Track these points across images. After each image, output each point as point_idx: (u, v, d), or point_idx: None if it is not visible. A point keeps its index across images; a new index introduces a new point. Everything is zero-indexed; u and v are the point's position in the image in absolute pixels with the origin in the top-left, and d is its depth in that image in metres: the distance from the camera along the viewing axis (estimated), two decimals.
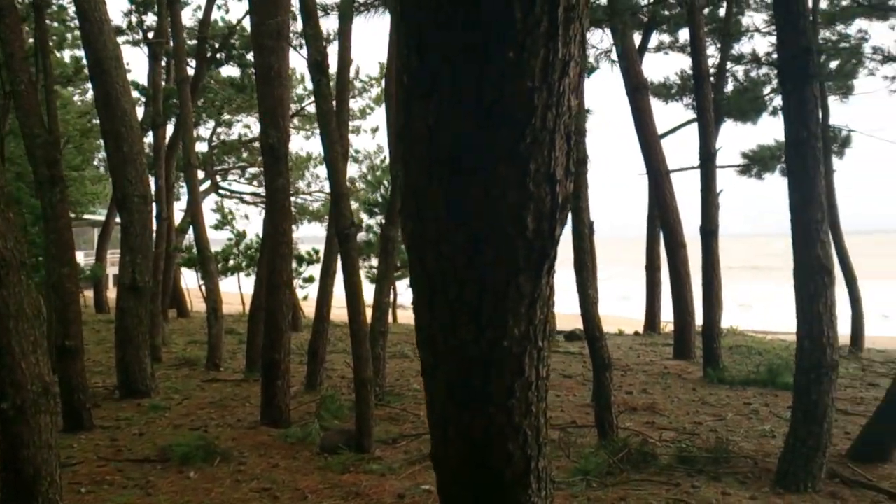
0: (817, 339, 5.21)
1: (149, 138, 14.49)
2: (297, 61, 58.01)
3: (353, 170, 23.47)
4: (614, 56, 12.19)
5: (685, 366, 10.79)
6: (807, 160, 5.31)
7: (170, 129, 15.96)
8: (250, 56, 15.00)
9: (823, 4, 12.70)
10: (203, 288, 13.53)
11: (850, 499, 4.97)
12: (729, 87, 14.49)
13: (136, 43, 18.18)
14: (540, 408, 2.02)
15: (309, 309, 13.64)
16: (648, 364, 10.98)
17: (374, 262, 17.09)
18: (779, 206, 5.83)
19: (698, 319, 10.99)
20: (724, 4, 12.85)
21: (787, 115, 5.49)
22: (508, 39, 1.47)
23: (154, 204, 10.60)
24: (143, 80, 16.84)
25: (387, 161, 15.80)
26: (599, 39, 12.00)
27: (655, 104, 14.69)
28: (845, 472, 5.50)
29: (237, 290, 21.03)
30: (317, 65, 6.23)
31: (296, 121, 24.79)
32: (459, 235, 1.70)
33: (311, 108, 22.04)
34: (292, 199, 20.23)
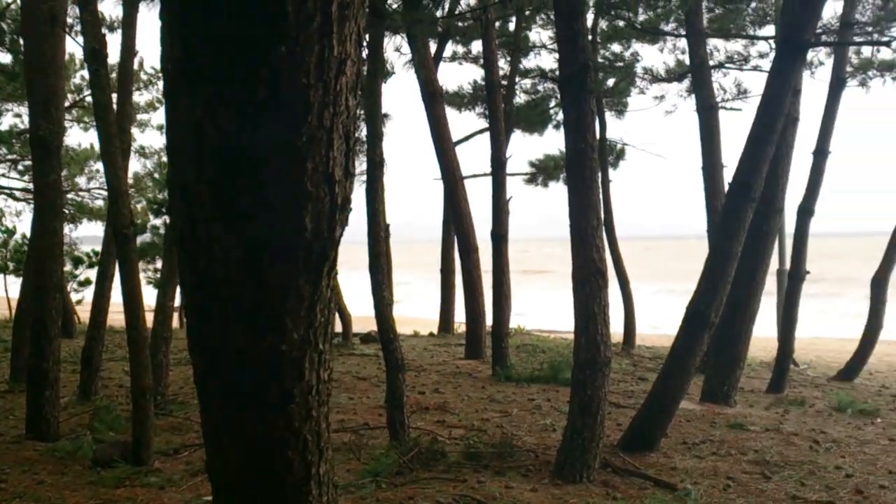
0: (592, 336, 5.56)
1: None
2: (78, 48, 53.86)
3: (139, 166, 22.09)
4: (408, 61, 12.39)
5: (476, 365, 11.16)
6: (584, 170, 5.64)
7: None
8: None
9: (603, 25, 13.63)
10: None
11: (620, 486, 5.35)
12: (518, 99, 15.21)
13: None
14: (321, 412, 1.99)
15: (85, 314, 12.68)
16: (441, 364, 11.26)
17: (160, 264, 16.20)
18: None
19: (491, 320, 11.41)
20: (515, 19, 13.46)
21: (567, 126, 5.81)
22: (281, 33, 1.43)
23: None
24: None
25: None
26: (397, 46, 12.15)
27: (450, 112, 15.14)
28: (617, 461, 5.90)
29: (2, 294, 19.14)
30: (94, 53, 5.80)
31: (75, 112, 22.95)
32: (232, 237, 1.63)
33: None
34: (71, 196, 18.75)
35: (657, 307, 34.07)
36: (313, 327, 1.81)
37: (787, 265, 11.54)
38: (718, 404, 8.45)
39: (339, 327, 13.57)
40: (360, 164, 10.06)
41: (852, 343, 12.09)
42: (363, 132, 7.15)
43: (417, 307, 32.60)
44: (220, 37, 1.44)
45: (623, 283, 13.82)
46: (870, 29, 10.98)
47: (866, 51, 12.06)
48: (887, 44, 10.29)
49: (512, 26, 13.93)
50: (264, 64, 1.44)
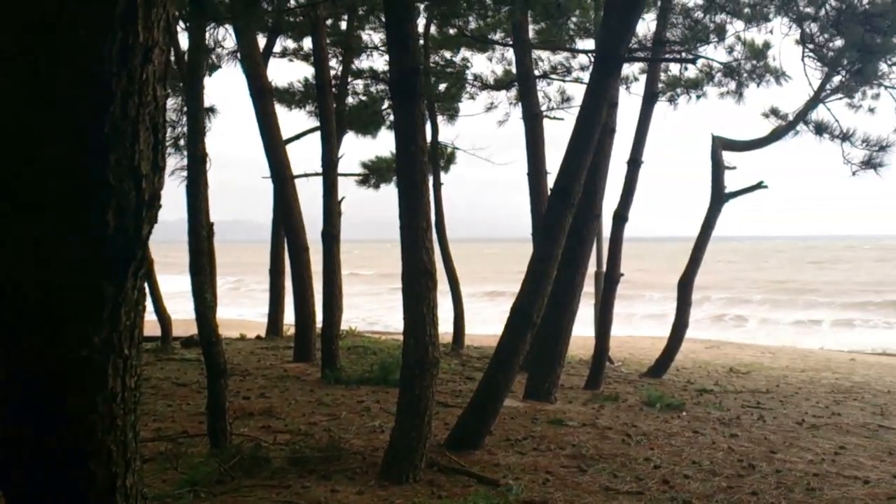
0: (421, 337, 5.60)
1: None
2: None
3: None
4: (229, 53, 12.00)
5: (305, 368, 10.97)
6: (414, 173, 5.68)
7: None
8: None
9: (434, 31, 13.82)
10: None
11: (445, 485, 5.42)
12: (351, 100, 15.14)
13: None
14: (128, 421, 1.85)
15: None
16: (269, 368, 10.98)
17: None
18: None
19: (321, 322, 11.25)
20: (347, 19, 13.38)
21: (397, 129, 5.83)
22: (80, 16, 1.31)
23: None
24: None
25: None
26: (223, 37, 11.68)
27: (282, 109, 14.82)
28: (443, 460, 5.98)
29: None
30: None
31: None
32: (22, 232, 1.48)
33: None
34: None
35: (487, 308, 35.11)
36: (117, 331, 1.68)
37: (605, 268, 12.17)
38: (540, 401, 8.79)
39: (159, 331, 12.93)
40: (183, 160, 9.64)
41: (662, 341, 12.95)
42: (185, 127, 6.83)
43: (248, 310, 31.77)
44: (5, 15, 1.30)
45: (453, 285, 14.08)
46: (679, 48, 11.83)
47: (675, 69, 12.99)
48: (693, 61, 11.12)
49: (344, 24, 13.83)
50: (59, 47, 1.31)
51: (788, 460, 6.61)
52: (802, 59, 11.18)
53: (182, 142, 12.15)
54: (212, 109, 10.58)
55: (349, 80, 14.36)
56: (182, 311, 14.16)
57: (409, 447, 5.50)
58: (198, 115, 6.37)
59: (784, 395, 10.85)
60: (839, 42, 10.74)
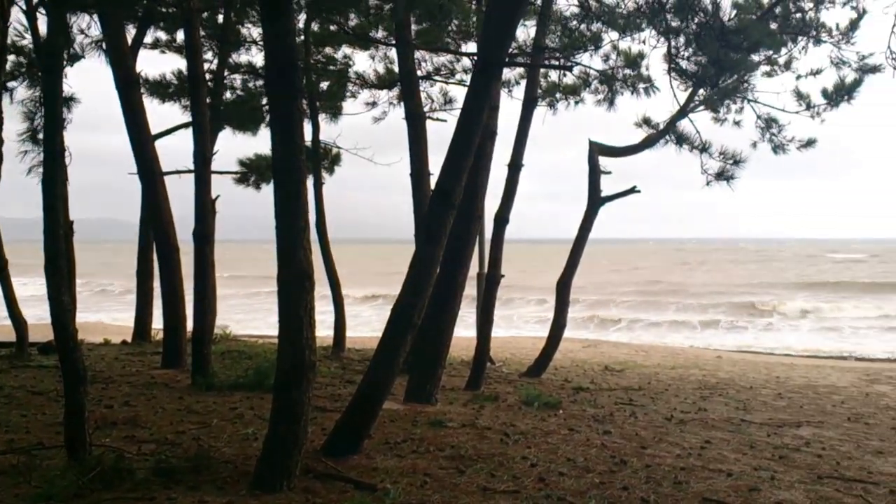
0: (297, 340, 5.44)
1: None
2: None
3: None
4: (92, 42, 11.35)
5: (174, 374, 10.49)
6: (292, 172, 5.49)
7: None
8: None
9: (316, 27, 13.55)
10: None
11: (321, 491, 5.27)
12: (229, 95, 14.64)
13: None
14: None
15: None
16: (134, 374, 10.43)
17: None
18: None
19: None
20: (224, 11, 12.94)
21: (273, 126, 5.63)
22: None
23: None
24: None
25: None
26: (87, 25, 10.99)
27: (154, 103, 14.17)
28: (319, 466, 5.82)
29: None
30: None
31: None
32: None
33: None
34: None
35: (370, 310, 34.93)
36: None
37: (486, 269, 12.26)
38: (421, 403, 8.74)
39: (13, 336, 12.08)
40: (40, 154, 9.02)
41: (543, 342, 13.14)
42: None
43: (115, 314, 30.35)
44: None
45: (335, 287, 13.85)
46: (558, 54, 12.06)
47: (555, 74, 13.24)
48: (570, 68, 11.36)
49: (221, 17, 13.36)
50: None
51: (658, 455, 6.82)
52: (668, 73, 11.61)
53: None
54: (71, 99, 9.89)
55: (226, 74, 13.90)
56: (40, 315, 13.33)
57: (283, 454, 5.33)
58: (55, 106, 5.93)
59: (655, 391, 11.23)
60: (703, 57, 11.21)
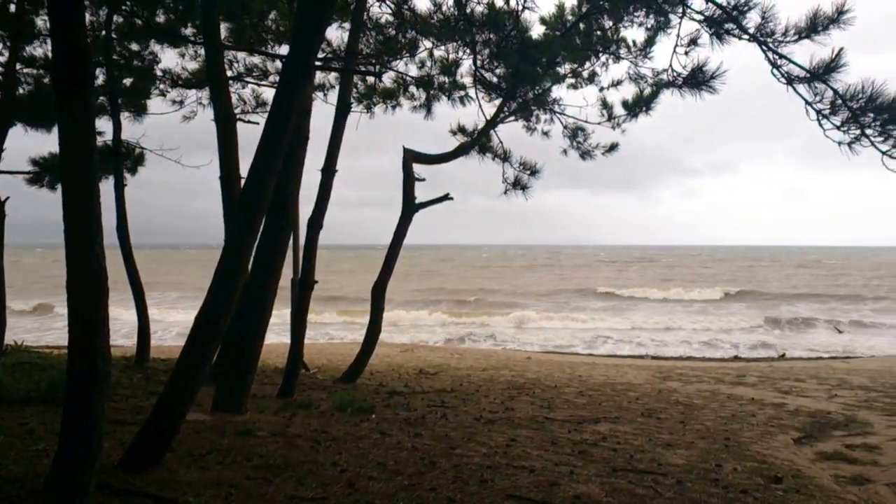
0: (88, 349, 5.13)
1: None
2: None
3: None
4: None
5: None
6: (84, 172, 5.18)
7: None
8: None
9: (120, 20, 12.83)
10: None
11: None
12: (22, 90, 13.52)
13: None
14: None
15: None
16: None
17: None
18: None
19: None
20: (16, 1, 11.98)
21: (62, 124, 5.27)
22: None
23: None
24: None
25: None
26: None
27: None
28: (117, 481, 5.52)
29: None
30: None
31: None
32: None
33: None
34: None
35: (180, 317, 33.43)
36: None
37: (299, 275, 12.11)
38: (230, 413, 8.50)
39: None
40: None
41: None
42: None
43: None
44: None
45: (138, 294, 13.16)
46: (373, 60, 12.15)
47: (372, 80, 13.31)
48: (380, 74, 11.49)
49: (14, 7, 12.33)
50: None
51: (466, 455, 7.04)
52: (475, 84, 12.02)
53: None
54: None
55: (17, 67, 12.85)
56: None
57: (75, 469, 5.00)
58: None
59: (466, 393, 11.58)
60: (506, 70, 11.68)
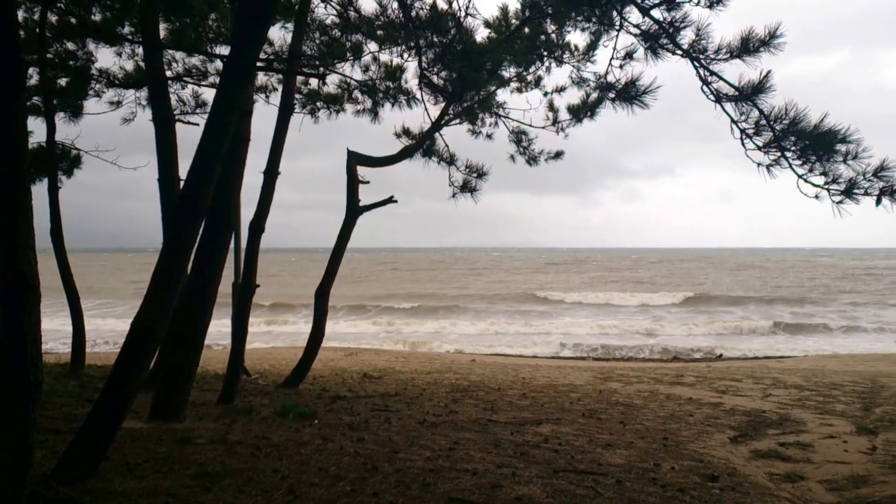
0: (20, 357, 4.97)
1: None
2: None
3: None
4: None
5: None
6: (9, 173, 5.02)
7: None
8: None
9: (53, 18, 12.50)
10: None
11: None
12: None
13: None
14: None
15: None
16: None
17: None
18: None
19: None
20: None
21: None
22: None
23: None
24: None
25: None
26: None
27: None
28: (49, 492, 5.36)
29: None
30: None
31: None
32: None
33: None
34: None
35: (120, 323, 32.68)
36: None
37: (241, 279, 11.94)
38: (168, 420, 8.31)
39: None
40: None
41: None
42: None
43: None
44: None
45: (72, 299, 12.81)
46: (317, 62, 12.06)
47: (315, 83, 13.22)
48: (324, 77, 11.41)
49: None
50: None
51: (409, 459, 7.00)
52: (420, 87, 12.04)
53: None
54: None
55: None
56: None
57: (5, 481, 4.83)
58: None
59: (411, 396, 11.55)
60: (451, 73, 11.73)
